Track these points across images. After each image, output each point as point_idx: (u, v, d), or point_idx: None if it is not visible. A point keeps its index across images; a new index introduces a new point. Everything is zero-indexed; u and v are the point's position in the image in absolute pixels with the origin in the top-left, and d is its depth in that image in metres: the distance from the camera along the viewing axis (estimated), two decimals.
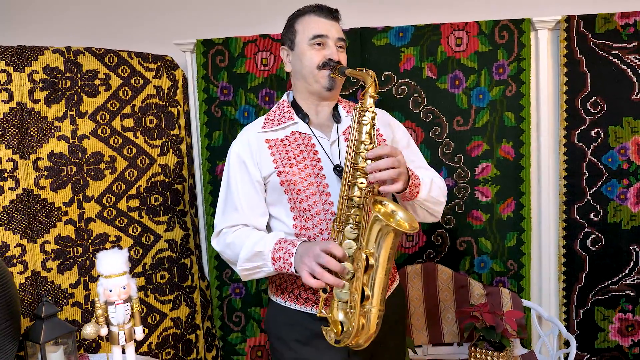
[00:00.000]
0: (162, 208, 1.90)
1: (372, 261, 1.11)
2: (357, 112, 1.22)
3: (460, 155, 2.00)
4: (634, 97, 1.91)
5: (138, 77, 1.84)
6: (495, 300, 1.99)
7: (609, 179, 1.96)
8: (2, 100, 1.58)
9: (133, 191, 1.83)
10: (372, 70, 1.22)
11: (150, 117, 1.88)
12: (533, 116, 1.97)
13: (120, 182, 1.80)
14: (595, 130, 1.94)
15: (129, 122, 1.82)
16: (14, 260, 1.61)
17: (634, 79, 1.91)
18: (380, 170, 1.15)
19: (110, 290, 1.23)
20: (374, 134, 1.21)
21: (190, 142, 2.04)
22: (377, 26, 1.95)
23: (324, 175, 1.33)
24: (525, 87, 1.94)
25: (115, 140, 1.79)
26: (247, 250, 1.29)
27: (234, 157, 1.40)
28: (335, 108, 1.46)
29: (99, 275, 1.25)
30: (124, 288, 1.25)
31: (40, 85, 1.64)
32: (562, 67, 1.93)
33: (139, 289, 1.84)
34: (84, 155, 1.73)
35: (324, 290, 1.17)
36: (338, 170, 1.33)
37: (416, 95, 1.98)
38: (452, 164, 2.00)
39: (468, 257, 2.05)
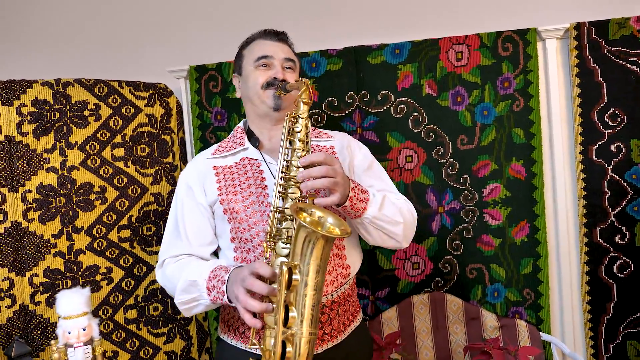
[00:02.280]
0: (154, 238, 1.86)
1: (296, 276, 0.98)
2: (289, 119, 1.16)
3: (467, 176, 1.86)
4: None
5: (129, 106, 1.83)
6: (510, 334, 1.82)
7: (634, 197, 1.77)
8: None
9: (124, 221, 1.80)
10: (309, 81, 1.18)
11: (142, 146, 1.86)
12: (544, 132, 1.82)
13: (111, 213, 1.78)
14: (616, 144, 1.77)
15: (120, 152, 1.81)
16: (2, 294, 1.60)
17: None
18: (314, 179, 1.07)
19: (69, 332, 1.17)
20: (307, 142, 1.13)
21: None
22: (371, 44, 1.87)
23: (269, 203, 1.24)
24: (534, 100, 1.80)
25: (106, 170, 1.78)
26: (184, 280, 1.21)
27: (181, 183, 1.36)
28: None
29: (59, 317, 1.21)
30: (84, 330, 1.19)
31: (29, 118, 1.65)
32: (574, 77, 1.78)
33: (131, 321, 1.80)
34: (74, 186, 1.71)
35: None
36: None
37: (416, 114, 1.87)
38: (458, 186, 1.87)
39: (480, 286, 1.89)
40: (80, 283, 1.72)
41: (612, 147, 1.77)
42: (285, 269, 0.97)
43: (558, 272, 1.85)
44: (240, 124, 1.44)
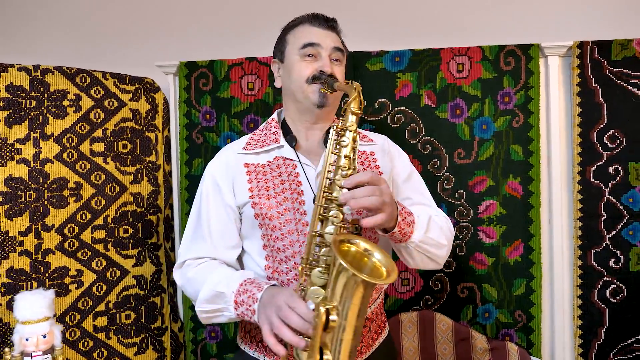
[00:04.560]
0: (131, 240, 1.74)
1: (334, 317, 0.90)
2: (335, 132, 1.05)
3: (462, 191, 1.80)
4: None
5: (112, 99, 1.72)
6: (500, 357, 1.75)
7: (630, 221, 1.74)
8: None
9: (99, 221, 1.68)
10: (360, 86, 1.06)
11: (124, 142, 1.74)
12: (543, 150, 1.78)
13: (86, 211, 1.66)
14: (614, 166, 1.74)
15: (99, 147, 1.69)
16: None
17: None
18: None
19: (27, 339, 1.05)
20: (354, 158, 1.03)
21: (169, 169, 1.90)
22: (371, 50, 1.81)
23: (304, 211, 1.14)
24: (534, 117, 1.76)
25: (83, 165, 1.66)
26: (208, 289, 1.11)
27: (208, 179, 1.24)
28: (329, 132, 1.29)
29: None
30: (45, 337, 1.07)
31: (1, 104, 1.53)
32: (575, 96, 1.75)
33: (100, 329, 1.67)
34: (46, 180, 1.59)
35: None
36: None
37: (413, 124, 1.81)
38: (453, 201, 1.81)
39: (470, 306, 1.82)
40: (47, 286, 1.58)
41: (611, 169, 1.74)
42: (322, 310, 0.89)
43: (550, 294, 1.80)
44: (275, 115, 1.30)
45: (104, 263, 1.69)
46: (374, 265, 0.96)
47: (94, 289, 1.67)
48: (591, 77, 1.74)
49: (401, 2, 1.92)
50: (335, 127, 1.06)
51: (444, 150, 1.80)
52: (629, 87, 1.72)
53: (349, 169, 1.02)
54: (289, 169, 1.19)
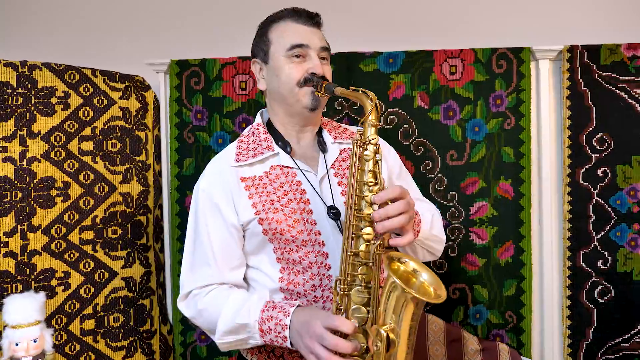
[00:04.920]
0: (120, 241, 1.71)
1: (393, 337, 0.91)
2: (357, 146, 1.01)
3: (454, 192, 1.81)
4: None
5: (102, 97, 1.69)
6: (492, 357, 1.76)
7: (617, 223, 1.77)
8: None
9: (87, 222, 1.64)
10: (376, 97, 1.02)
11: (113, 141, 1.71)
12: (534, 152, 1.80)
13: (73, 211, 1.61)
14: (602, 169, 1.77)
15: (88, 145, 1.65)
16: None
17: None
18: (389, 218, 0.96)
19: (17, 344, 1.01)
20: (379, 172, 1.00)
21: (159, 169, 1.87)
22: (365, 51, 1.81)
23: (314, 220, 1.11)
24: (525, 120, 1.78)
25: (71, 164, 1.62)
26: (227, 320, 1.06)
27: (203, 199, 1.16)
28: (319, 134, 1.24)
29: (5, 326, 1.05)
30: (35, 341, 1.03)
31: None
32: (565, 99, 1.77)
33: (88, 333, 1.63)
34: (33, 179, 1.55)
35: None
36: (333, 212, 1.11)
37: (406, 126, 1.82)
38: (445, 202, 1.82)
39: (462, 307, 1.83)
40: (33, 288, 1.54)
41: (599, 172, 1.77)
42: (384, 334, 0.90)
43: (540, 295, 1.82)
44: (258, 119, 1.25)
45: (92, 265, 1.65)
46: (421, 285, 0.98)
47: (82, 291, 1.63)
48: (581, 80, 1.77)
49: (395, 3, 1.92)
50: (357, 141, 1.02)
51: (436, 151, 1.81)
52: (617, 91, 1.76)
53: (375, 184, 0.99)
54: (289, 178, 1.15)
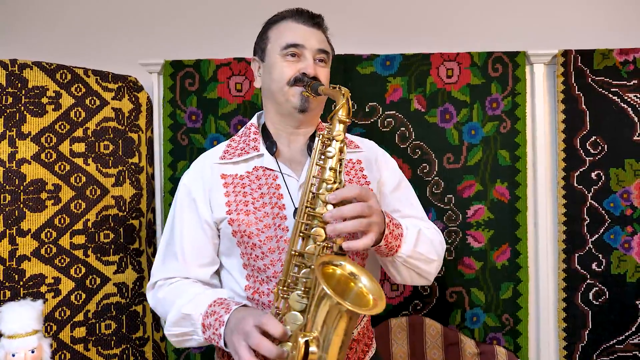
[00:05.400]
0: (112, 246, 1.66)
1: (313, 349, 0.84)
2: (321, 141, 0.98)
3: (451, 196, 1.81)
4: (635, 137, 1.78)
5: (94, 97, 1.64)
6: None
7: (611, 225, 1.79)
8: None
9: (79, 226, 1.59)
10: (349, 92, 1.00)
11: (106, 143, 1.66)
12: (529, 155, 1.81)
13: (64, 215, 1.56)
14: (596, 172, 1.79)
15: (80, 147, 1.61)
16: None
17: (635, 119, 1.78)
18: (344, 220, 0.90)
19: (14, 355, 0.97)
20: (340, 171, 0.95)
21: (152, 172, 1.83)
22: (362, 53, 1.80)
23: (286, 227, 1.06)
24: (521, 123, 1.80)
25: (62, 166, 1.57)
26: (176, 311, 1.03)
27: (182, 192, 1.15)
28: (312, 139, 1.20)
29: (1, 335, 1.00)
30: (33, 352, 0.99)
31: None
32: (559, 103, 1.79)
33: (79, 341, 1.58)
34: (22, 182, 1.49)
35: None
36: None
37: (403, 128, 1.81)
38: (442, 205, 1.81)
39: (459, 310, 1.83)
40: (22, 294, 1.48)
41: (593, 175, 1.79)
42: (302, 341, 0.83)
43: (536, 298, 1.83)
44: (254, 120, 1.23)
45: (84, 270, 1.60)
46: (360, 291, 0.89)
47: (73, 297, 1.57)
48: (574, 85, 1.79)
49: (392, 6, 1.92)
50: (320, 136, 0.99)
51: (433, 155, 1.81)
52: (610, 95, 1.78)
53: (335, 182, 0.94)
54: (269, 180, 1.12)
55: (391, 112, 1.81)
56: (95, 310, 1.62)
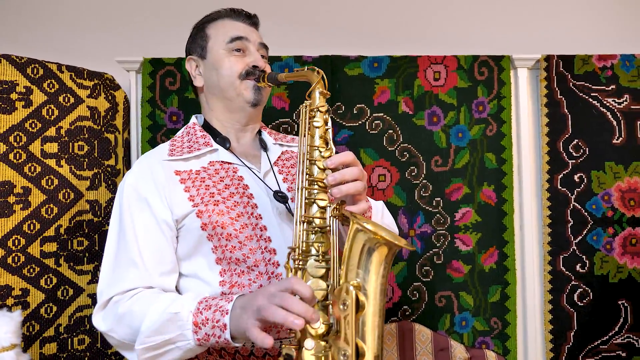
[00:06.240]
0: (87, 254, 1.54)
1: (362, 297, 0.79)
2: (306, 113, 0.97)
3: (439, 198, 1.80)
4: (614, 141, 1.82)
5: (68, 95, 1.54)
6: None
7: (594, 227, 1.82)
8: None
9: (50, 232, 1.47)
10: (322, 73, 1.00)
11: (80, 143, 1.55)
12: (514, 158, 1.82)
13: (34, 221, 1.44)
14: (579, 174, 1.82)
15: (52, 147, 1.49)
16: None
17: (614, 123, 1.82)
18: (345, 183, 0.89)
19: None
20: (330, 139, 0.96)
21: None
22: (349, 55, 1.77)
23: (259, 215, 1.04)
24: (507, 126, 1.81)
25: (32, 168, 1.45)
26: (156, 316, 0.89)
27: (129, 194, 1.03)
28: (259, 134, 1.22)
29: None
30: None
31: None
32: (542, 107, 1.82)
33: (49, 358, 1.45)
34: None
35: (286, 357, 0.80)
36: (280, 195, 1.05)
37: (391, 131, 1.79)
38: (430, 209, 1.80)
39: (448, 315, 1.80)
40: None
41: (576, 177, 1.82)
42: (352, 290, 0.77)
43: (523, 300, 1.83)
44: (194, 119, 1.20)
45: (55, 280, 1.47)
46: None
47: (42, 310, 1.44)
48: (557, 89, 1.82)
49: (378, 9, 1.91)
50: (306, 107, 0.98)
51: (421, 157, 1.80)
52: (590, 99, 1.83)
53: (327, 149, 0.94)
54: (229, 173, 1.08)
55: (379, 114, 1.78)
56: (67, 324, 1.49)
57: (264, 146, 1.18)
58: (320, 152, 0.93)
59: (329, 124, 0.97)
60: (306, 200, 0.92)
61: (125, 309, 0.94)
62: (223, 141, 1.12)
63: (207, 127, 1.17)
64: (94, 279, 1.55)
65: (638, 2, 1.91)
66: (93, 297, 1.55)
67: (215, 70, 1.13)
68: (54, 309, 1.47)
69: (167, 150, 1.11)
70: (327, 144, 0.95)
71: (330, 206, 0.91)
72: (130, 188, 1.04)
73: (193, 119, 1.21)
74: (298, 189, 0.92)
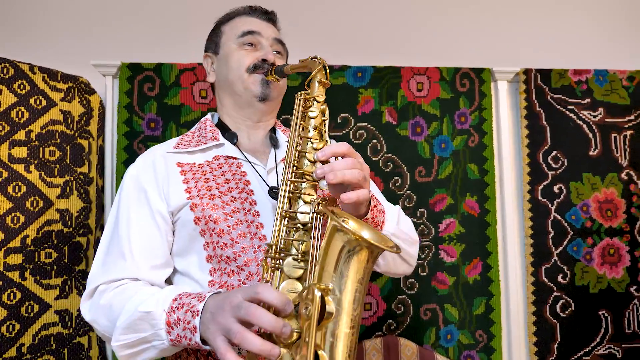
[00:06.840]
0: (55, 267, 1.43)
1: (330, 304, 0.71)
2: (300, 102, 0.92)
3: (423, 209, 1.78)
4: (591, 152, 1.87)
5: (40, 97, 1.45)
6: None
7: (574, 237, 1.84)
8: None
9: (16, 243, 1.36)
10: (324, 61, 0.97)
11: (52, 148, 1.46)
12: (496, 169, 1.84)
13: None
14: (558, 186, 1.85)
15: (21, 152, 1.40)
16: None
17: (590, 135, 1.87)
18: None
19: None
20: (324, 131, 0.89)
21: (102, 184, 1.63)
22: (333, 64, 1.76)
23: (257, 212, 0.99)
24: (488, 137, 1.83)
25: None
26: (129, 312, 0.85)
27: (130, 184, 1.02)
28: (273, 132, 1.17)
29: None
30: None
31: None
32: (522, 119, 1.85)
33: None
34: None
35: None
36: (275, 192, 1.00)
37: (375, 141, 1.77)
38: (415, 219, 1.77)
39: (433, 328, 1.77)
40: None
41: (555, 188, 1.85)
42: (317, 294, 0.69)
43: (507, 311, 1.81)
44: (208, 117, 1.17)
45: (19, 295, 1.36)
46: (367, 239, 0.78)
47: (4, 328, 1.32)
48: (535, 102, 1.86)
49: (363, 19, 1.92)
50: (301, 94, 0.94)
51: (405, 168, 1.78)
52: (567, 112, 1.87)
53: (320, 140, 0.88)
54: (233, 168, 1.05)
55: (363, 124, 1.77)
56: (31, 344, 1.37)
57: (274, 144, 1.14)
58: (313, 143, 0.87)
59: (326, 114, 0.92)
60: (290, 194, 0.85)
61: (106, 301, 0.92)
62: (231, 136, 1.10)
63: (219, 123, 1.15)
64: (62, 295, 1.44)
65: (611, 21, 1.99)
66: (60, 314, 1.44)
67: (225, 65, 1.13)
68: (17, 327, 1.35)
69: (174, 143, 1.10)
70: (321, 136, 0.89)
71: (315, 201, 0.83)
72: (132, 179, 1.03)
73: (207, 116, 1.18)
74: (282, 181, 0.87)
